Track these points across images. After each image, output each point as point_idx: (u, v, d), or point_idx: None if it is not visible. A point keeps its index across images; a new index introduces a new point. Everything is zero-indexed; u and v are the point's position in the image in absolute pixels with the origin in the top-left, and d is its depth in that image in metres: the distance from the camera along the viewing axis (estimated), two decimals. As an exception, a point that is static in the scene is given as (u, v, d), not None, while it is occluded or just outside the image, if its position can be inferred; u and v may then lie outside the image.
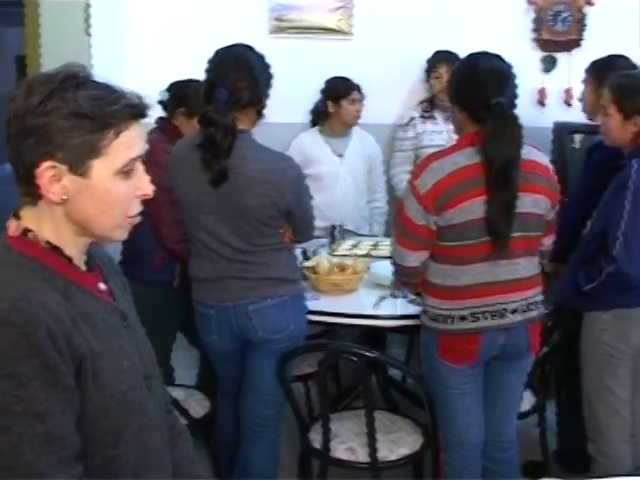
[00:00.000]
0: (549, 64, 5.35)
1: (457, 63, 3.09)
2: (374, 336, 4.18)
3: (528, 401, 3.81)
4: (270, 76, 3.20)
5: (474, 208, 2.86)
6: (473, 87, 2.94)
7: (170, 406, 2.04)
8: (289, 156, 3.19)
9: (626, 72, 3.43)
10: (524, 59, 5.19)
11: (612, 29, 5.18)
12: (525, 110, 5.10)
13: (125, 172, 1.62)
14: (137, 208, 1.69)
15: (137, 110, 1.62)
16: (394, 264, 3.12)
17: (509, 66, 3.03)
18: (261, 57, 3.18)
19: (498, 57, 3.03)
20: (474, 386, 3.13)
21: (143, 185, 1.67)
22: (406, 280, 3.17)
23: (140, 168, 1.66)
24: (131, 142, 1.62)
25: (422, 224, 2.92)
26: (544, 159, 3.07)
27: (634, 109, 3.23)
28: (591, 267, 3.25)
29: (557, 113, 5.21)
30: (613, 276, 3.18)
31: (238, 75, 3.05)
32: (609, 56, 4.04)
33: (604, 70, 3.67)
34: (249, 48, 3.17)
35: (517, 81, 4.98)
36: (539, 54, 5.33)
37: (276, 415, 3.41)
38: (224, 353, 3.37)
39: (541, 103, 5.28)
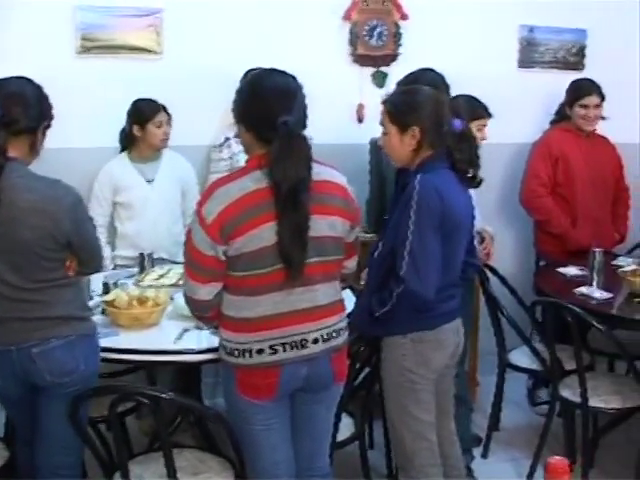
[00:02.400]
0: (380, 79, 5.29)
1: (241, 81, 2.92)
2: (188, 370, 4.00)
3: (348, 429, 3.72)
4: (48, 110, 3.03)
5: (264, 235, 2.70)
6: (258, 106, 2.78)
7: None
8: (67, 184, 2.97)
9: (402, 88, 3.37)
10: (342, 75, 5.16)
11: (427, 42, 5.19)
12: (343, 126, 5.14)
13: None
14: None
15: None
16: (185, 298, 2.94)
17: (297, 83, 2.86)
18: (39, 89, 3.02)
19: (284, 74, 2.86)
20: (279, 421, 2.96)
21: None
22: (199, 314, 2.99)
23: None
24: None
25: (210, 255, 2.74)
26: (339, 178, 2.94)
27: (408, 121, 3.18)
28: (382, 291, 3.16)
29: (376, 128, 5.12)
30: (403, 297, 3.10)
31: (12, 101, 2.89)
32: (416, 71, 4.00)
33: (412, 84, 3.60)
34: (27, 80, 3.01)
35: (335, 97, 5.01)
36: (357, 69, 5.25)
37: (74, 463, 3.19)
38: (12, 399, 3.13)
39: (359, 119, 5.19)
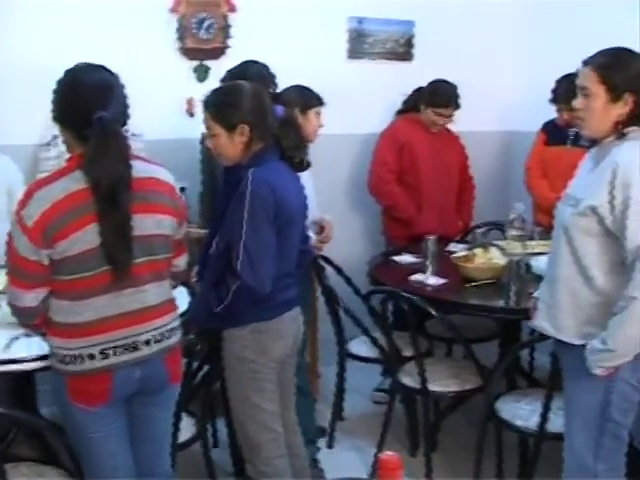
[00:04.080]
0: (202, 73, 5.20)
1: (58, 79, 2.80)
2: (21, 379, 3.84)
3: (189, 429, 3.66)
4: None
5: (87, 237, 2.61)
6: (73, 103, 2.69)
7: None
8: None
9: (219, 87, 3.33)
10: (171, 69, 5.07)
11: (257, 35, 5.14)
12: (174, 121, 5.05)
13: None
14: None
15: None
16: (10, 305, 2.80)
17: (114, 78, 2.77)
18: None
19: (101, 68, 2.78)
20: (116, 427, 2.87)
21: None
22: (26, 322, 2.86)
23: None
24: None
25: (33, 260, 2.63)
26: (165, 175, 2.87)
27: (234, 120, 3.16)
28: (220, 287, 3.13)
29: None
30: (240, 292, 3.08)
31: None
32: (242, 63, 3.94)
33: (239, 78, 3.55)
34: None
35: (165, 92, 4.92)
36: (186, 63, 5.17)
37: None
38: None
39: (190, 113, 5.11)
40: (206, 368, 3.69)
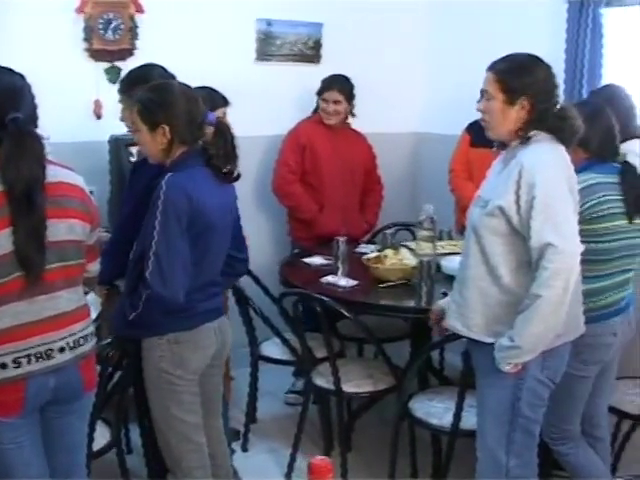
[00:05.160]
0: (114, 75, 5.10)
1: None
2: None
3: (104, 436, 3.61)
4: None
5: (1, 242, 2.55)
6: None
7: None
8: None
9: (152, 85, 3.28)
10: (78, 70, 4.98)
11: (164, 36, 5.11)
12: (81, 124, 4.96)
13: None
14: None
15: None
16: None
17: (24, 80, 2.73)
18: None
19: (10, 71, 2.73)
20: (30, 437, 2.79)
21: None
22: None
23: None
24: None
25: None
26: (76, 180, 2.82)
27: (158, 120, 3.13)
28: (134, 294, 3.09)
29: (116, 125, 4.99)
30: (152, 301, 3.04)
31: None
32: (143, 66, 3.89)
33: (141, 81, 3.50)
34: None
35: (71, 94, 4.83)
36: (93, 64, 5.08)
37: None
38: None
39: (97, 115, 5.05)
40: (119, 374, 3.64)
